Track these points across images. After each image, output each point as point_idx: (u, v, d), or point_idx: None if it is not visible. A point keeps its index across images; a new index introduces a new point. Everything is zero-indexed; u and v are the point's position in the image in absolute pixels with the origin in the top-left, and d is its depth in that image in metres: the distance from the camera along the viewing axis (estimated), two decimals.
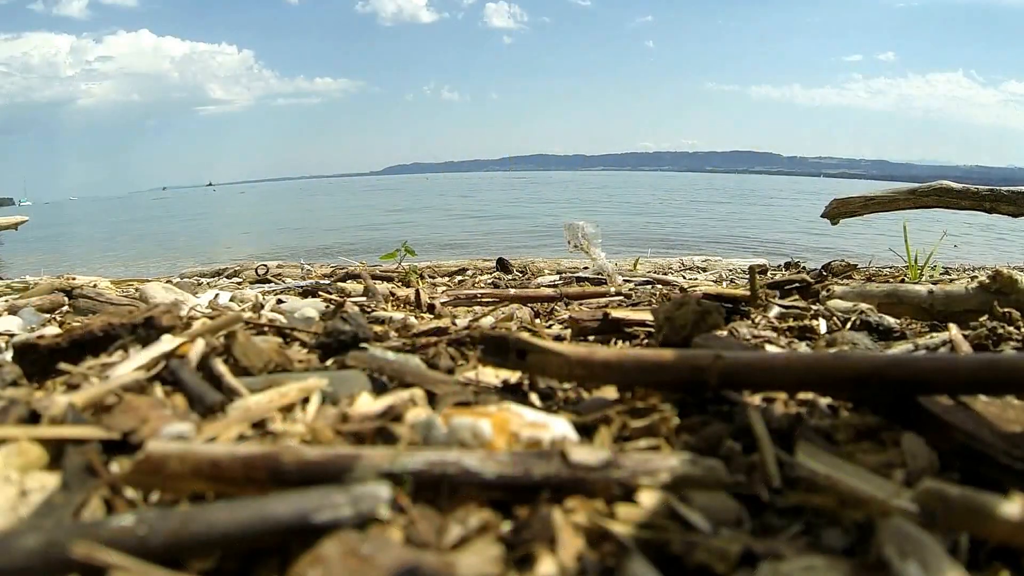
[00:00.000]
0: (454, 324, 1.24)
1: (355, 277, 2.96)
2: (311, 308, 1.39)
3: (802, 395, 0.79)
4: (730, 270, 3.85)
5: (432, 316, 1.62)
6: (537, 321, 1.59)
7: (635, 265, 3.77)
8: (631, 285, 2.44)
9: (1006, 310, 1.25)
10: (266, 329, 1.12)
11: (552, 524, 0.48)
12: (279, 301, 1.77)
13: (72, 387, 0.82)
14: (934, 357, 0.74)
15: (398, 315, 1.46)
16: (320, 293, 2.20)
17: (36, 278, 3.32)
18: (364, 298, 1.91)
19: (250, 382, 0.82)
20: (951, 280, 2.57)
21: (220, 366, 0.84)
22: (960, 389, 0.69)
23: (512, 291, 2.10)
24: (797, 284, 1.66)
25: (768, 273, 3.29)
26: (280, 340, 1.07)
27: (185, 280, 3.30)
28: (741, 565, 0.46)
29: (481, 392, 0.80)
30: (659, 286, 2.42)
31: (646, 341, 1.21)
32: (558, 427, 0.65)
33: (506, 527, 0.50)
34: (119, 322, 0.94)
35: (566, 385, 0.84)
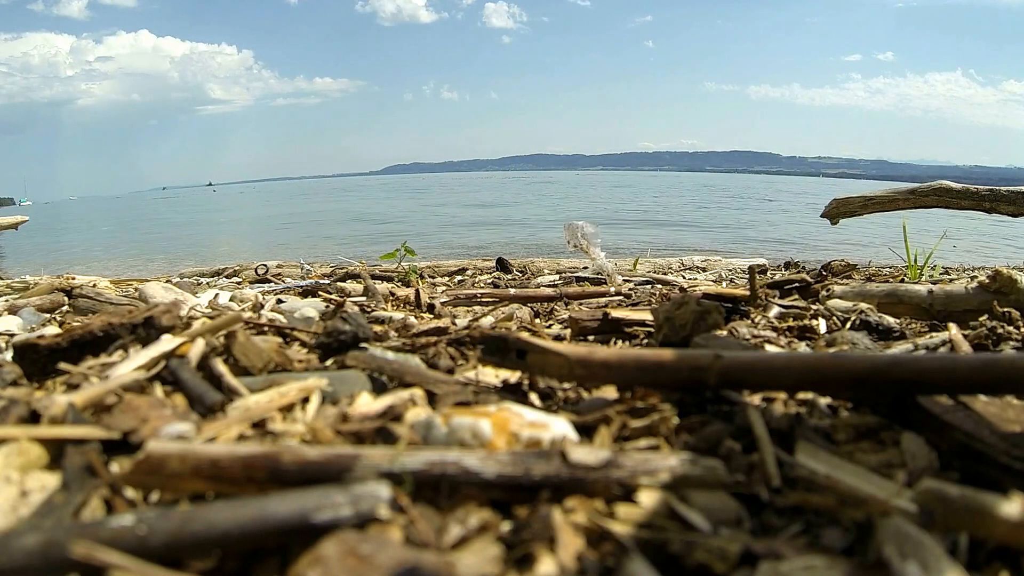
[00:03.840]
0: (454, 324, 1.24)
1: (355, 277, 2.96)
2: (311, 308, 1.40)
3: (802, 395, 0.79)
4: (730, 270, 3.85)
5: (432, 316, 1.62)
6: (537, 321, 1.59)
7: (635, 265, 3.77)
8: (631, 285, 2.45)
9: (1006, 310, 1.25)
10: (266, 329, 1.12)
11: (552, 524, 0.48)
12: (279, 301, 1.77)
13: (72, 387, 0.82)
14: (934, 357, 0.74)
15: (398, 315, 1.46)
16: (320, 293, 2.20)
17: (36, 278, 3.32)
18: (364, 298, 1.91)
19: (250, 382, 0.82)
20: (951, 280, 2.57)
21: (220, 366, 0.84)
22: (960, 389, 0.69)
23: (512, 291, 2.10)
24: (797, 284, 1.66)
25: (768, 273, 3.29)
26: (280, 340, 1.07)
27: (185, 280, 3.30)
28: (741, 565, 0.46)
29: (481, 392, 0.80)
30: (659, 286, 2.42)
31: (646, 341, 1.21)
32: (558, 427, 0.65)
33: (506, 527, 0.50)
34: (119, 322, 0.94)
35: (566, 385, 0.84)
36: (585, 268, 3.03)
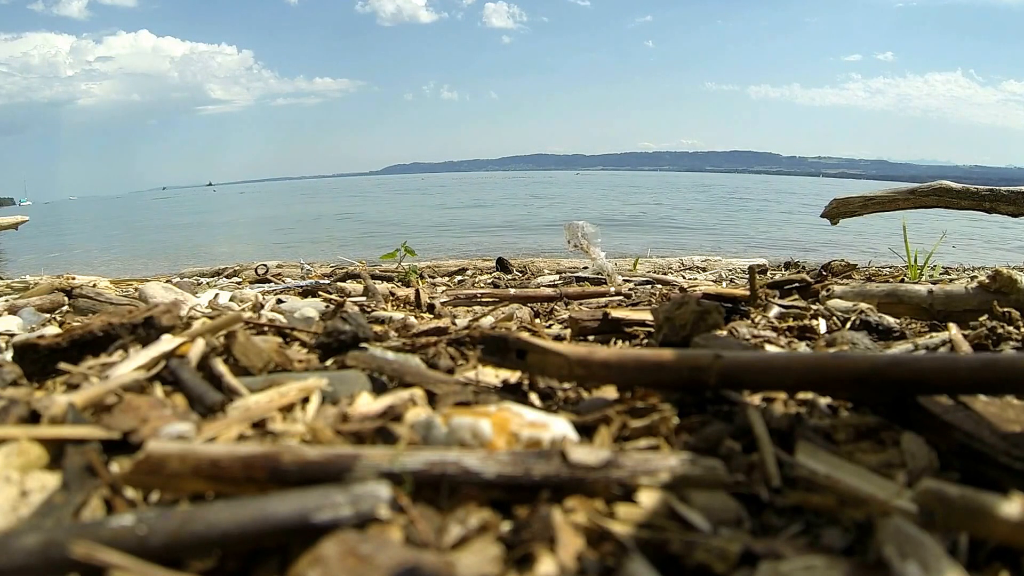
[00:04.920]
0: (454, 324, 1.24)
1: (355, 277, 2.96)
2: (311, 308, 1.40)
3: (802, 395, 0.79)
4: (730, 270, 3.85)
5: (432, 316, 1.62)
6: (537, 321, 1.59)
7: (635, 265, 3.77)
8: (631, 285, 2.45)
9: (1006, 310, 1.25)
10: (266, 329, 1.12)
11: (552, 524, 0.48)
12: (279, 301, 1.77)
13: (72, 387, 0.82)
14: (934, 357, 0.74)
15: (398, 315, 1.46)
16: (320, 293, 2.21)
17: (36, 278, 3.32)
18: (364, 298, 1.91)
19: (250, 382, 0.82)
20: (951, 280, 2.57)
21: (220, 366, 0.84)
22: (960, 389, 0.69)
23: (512, 291, 2.10)
24: (797, 284, 1.66)
25: (768, 273, 3.29)
26: (280, 340, 1.07)
27: (185, 280, 3.30)
28: (741, 565, 0.46)
29: (481, 392, 0.80)
30: (659, 286, 2.42)
31: (646, 341, 1.21)
32: (558, 427, 0.65)
33: (506, 527, 0.50)
34: (119, 322, 0.94)
35: (566, 385, 0.84)
36: (585, 268, 3.03)
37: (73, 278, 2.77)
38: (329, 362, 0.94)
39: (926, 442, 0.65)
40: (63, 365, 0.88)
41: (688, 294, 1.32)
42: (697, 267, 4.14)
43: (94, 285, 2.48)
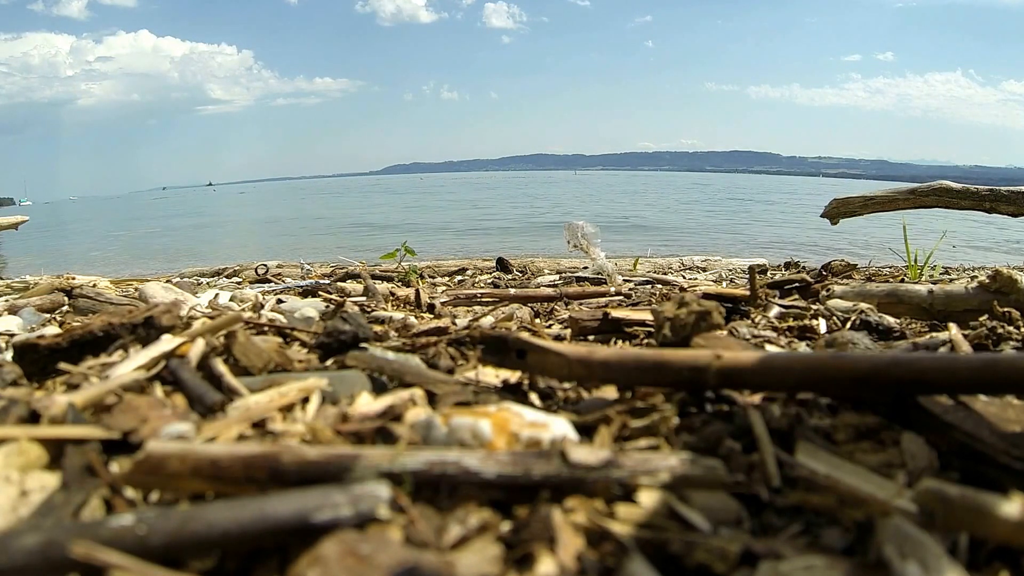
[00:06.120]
0: (454, 324, 1.24)
1: (355, 277, 2.96)
2: (311, 308, 1.40)
3: (802, 395, 0.79)
4: (730, 270, 3.85)
5: (432, 316, 1.62)
6: (537, 321, 1.59)
7: (635, 265, 3.77)
8: (631, 285, 2.45)
9: (1006, 310, 1.25)
10: (266, 329, 1.12)
11: (552, 524, 0.48)
12: (279, 301, 1.77)
13: (72, 387, 0.82)
14: (934, 357, 0.74)
15: (398, 315, 1.46)
16: (320, 293, 2.21)
17: (36, 278, 3.32)
18: (364, 298, 1.91)
19: (250, 382, 0.82)
20: (951, 280, 2.57)
21: (220, 366, 0.84)
22: (960, 389, 0.69)
23: (512, 291, 2.10)
24: (797, 284, 1.66)
25: (768, 273, 3.29)
26: (280, 340, 1.07)
27: (185, 280, 3.30)
28: (741, 565, 0.46)
29: (481, 392, 0.80)
30: (659, 286, 2.42)
31: (646, 341, 1.21)
32: (558, 427, 0.65)
33: (506, 527, 0.50)
34: (119, 322, 0.94)
35: (566, 385, 0.84)
36: (585, 268, 3.03)
37: (73, 278, 2.77)
38: (329, 362, 0.94)
39: (926, 442, 0.64)
40: (63, 365, 0.88)
41: (688, 294, 1.33)
42: (697, 267, 4.14)
43: (94, 285, 2.48)
